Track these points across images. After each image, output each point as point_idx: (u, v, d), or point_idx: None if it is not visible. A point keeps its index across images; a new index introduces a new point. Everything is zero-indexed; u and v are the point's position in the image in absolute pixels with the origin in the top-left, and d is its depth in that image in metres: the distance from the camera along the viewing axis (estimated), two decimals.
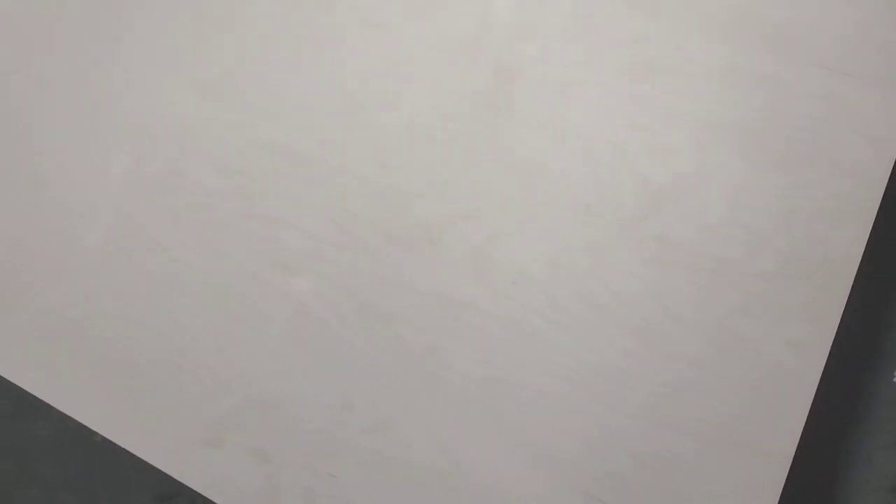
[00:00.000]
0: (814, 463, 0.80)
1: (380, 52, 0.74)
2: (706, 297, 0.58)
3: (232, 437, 0.59)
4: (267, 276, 0.65)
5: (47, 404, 0.92)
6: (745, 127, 0.64)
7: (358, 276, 0.64)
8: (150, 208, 0.70)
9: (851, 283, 0.55)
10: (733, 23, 0.69)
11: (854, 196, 0.59)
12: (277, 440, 0.58)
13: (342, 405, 0.59)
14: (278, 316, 0.63)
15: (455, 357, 0.59)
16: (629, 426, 0.54)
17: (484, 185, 0.66)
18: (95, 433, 0.90)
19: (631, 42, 0.70)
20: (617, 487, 0.53)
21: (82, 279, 0.68)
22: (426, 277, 0.63)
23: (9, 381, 0.92)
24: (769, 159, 0.62)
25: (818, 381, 0.53)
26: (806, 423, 0.80)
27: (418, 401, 0.58)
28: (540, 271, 0.61)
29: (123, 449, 0.89)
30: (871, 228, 0.57)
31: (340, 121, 0.71)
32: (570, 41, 0.71)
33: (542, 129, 0.68)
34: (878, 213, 0.58)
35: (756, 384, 0.54)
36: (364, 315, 0.62)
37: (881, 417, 0.81)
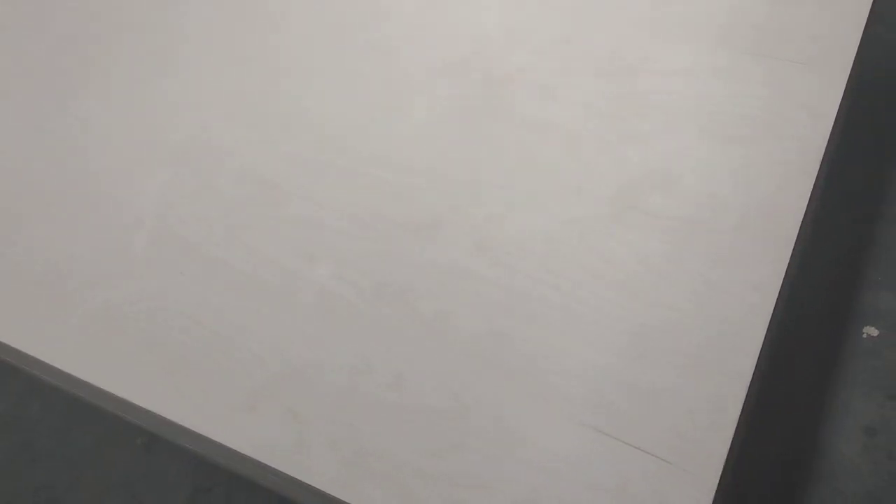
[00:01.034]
0: (797, 409, 0.88)
1: (385, 72, 0.86)
2: (680, 252, 0.66)
3: (266, 403, 0.67)
4: (292, 266, 0.74)
5: (90, 413, 1.00)
6: (706, 112, 0.74)
7: (373, 259, 0.73)
8: (187, 217, 0.80)
9: (797, 231, 0.64)
10: (691, 27, 0.80)
11: (798, 161, 0.68)
12: (305, 401, 0.66)
13: (362, 367, 0.67)
14: (303, 297, 0.72)
15: (462, 319, 0.68)
16: (617, 362, 0.62)
17: (481, 176, 0.76)
18: (136, 436, 0.98)
19: (605, 51, 0.81)
20: (609, 414, 0.60)
21: (131, 280, 0.77)
22: (433, 255, 0.72)
23: (54, 393, 1.00)
24: (727, 136, 0.72)
25: (772, 310, 0.61)
26: (787, 375, 0.88)
27: (430, 357, 0.66)
28: (535, 244, 0.70)
29: (163, 448, 0.97)
30: (812, 186, 0.66)
31: (352, 131, 0.82)
32: (553, 53, 0.82)
33: (531, 127, 0.78)
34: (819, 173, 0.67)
35: (723, 319, 0.62)
36: (379, 291, 0.71)
37: (856, 368, 0.88)
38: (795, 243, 0.64)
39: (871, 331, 0.92)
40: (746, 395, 0.58)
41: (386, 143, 0.81)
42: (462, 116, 0.81)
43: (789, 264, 0.63)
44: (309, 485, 0.63)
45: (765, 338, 0.59)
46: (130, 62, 0.96)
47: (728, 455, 0.57)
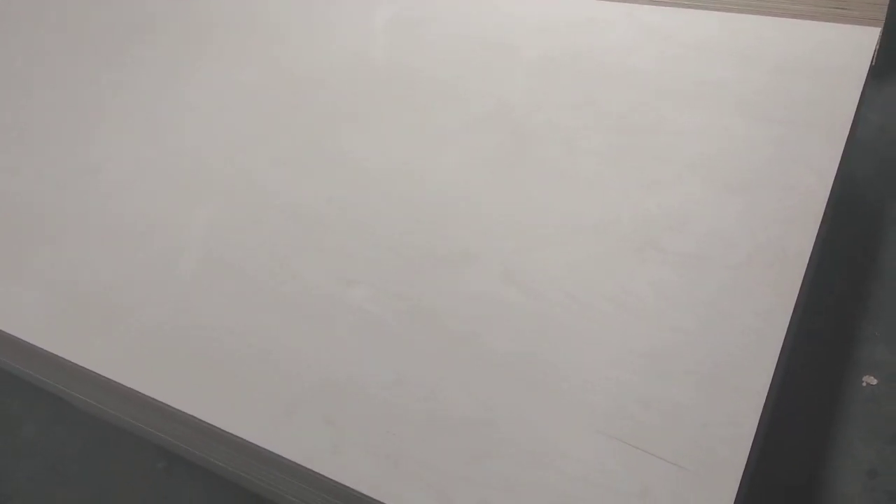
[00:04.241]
0: (801, 452, 0.91)
1: (422, 125, 0.94)
2: (691, 284, 0.72)
3: (305, 411, 0.71)
4: (332, 290, 0.80)
5: (114, 437, 1.02)
6: (715, 166, 0.81)
7: (408, 284, 0.78)
8: (232, 246, 0.86)
9: (804, 267, 0.70)
10: (702, 94, 0.88)
11: (801, 211, 0.75)
12: (342, 410, 0.70)
13: (396, 381, 0.71)
14: (342, 318, 0.77)
15: (491, 338, 0.72)
16: (637, 379, 0.67)
17: (510, 215, 0.82)
18: (158, 460, 1.00)
19: (622, 110, 0.89)
20: (631, 426, 0.64)
21: (179, 300, 0.82)
22: (464, 282, 0.77)
23: (79, 417, 1.02)
24: (737, 186, 0.79)
25: (783, 335, 0.66)
26: (791, 419, 0.92)
27: (462, 373, 0.71)
28: (559, 274, 0.76)
29: (183, 472, 0.98)
30: (817, 231, 0.73)
31: (390, 175, 0.89)
32: (573, 111, 0.91)
33: (555, 173, 0.85)
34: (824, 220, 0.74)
35: (734, 343, 0.67)
36: (413, 313, 0.76)
37: (856, 414, 0.93)
38: (803, 277, 0.69)
39: (871, 380, 0.97)
40: (762, 412, 0.62)
41: (421, 185, 0.88)
42: (490, 164, 0.88)
43: (798, 293, 0.68)
44: (345, 489, 0.66)
45: (777, 360, 0.64)
46: (190, 107, 1.05)
47: (746, 465, 0.60)
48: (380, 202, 0.87)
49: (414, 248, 0.82)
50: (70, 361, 0.79)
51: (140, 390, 0.75)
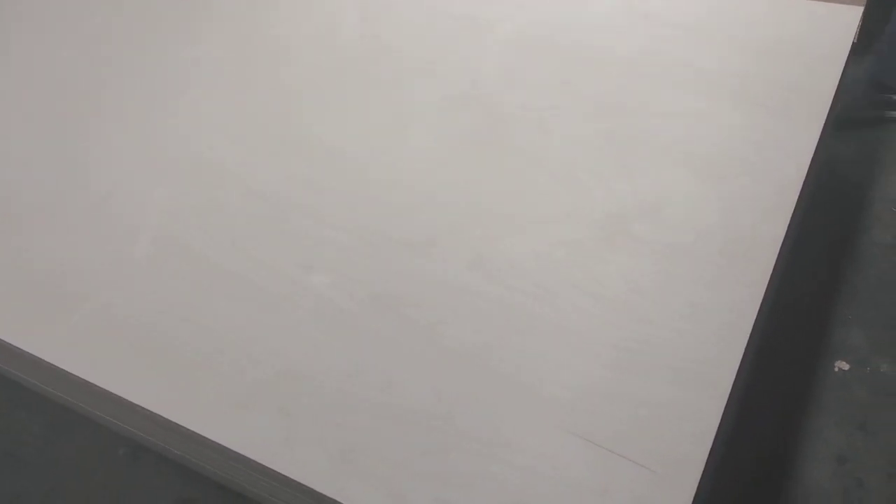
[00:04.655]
0: (771, 438, 0.90)
1: (391, 104, 0.91)
2: (665, 275, 0.70)
3: (260, 401, 0.68)
4: (292, 275, 0.77)
5: (75, 423, 1.00)
6: (692, 151, 0.79)
7: (370, 271, 0.76)
8: (189, 227, 0.83)
9: (775, 259, 0.68)
10: (682, 77, 0.85)
11: (776, 197, 0.73)
12: (297, 401, 0.68)
13: (353, 371, 0.69)
14: (301, 305, 0.74)
15: (453, 329, 0.70)
16: (603, 374, 0.65)
17: (478, 200, 0.80)
18: (120, 447, 0.98)
19: (600, 91, 0.86)
20: (594, 422, 0.62)
21: (132, 284, 0.79)
22: (428, 270, 0.75)
23: (39, 403, 1.00)
24: (711, 173, 0.77)
25: (750, 329, 0.64)
26: (762, 403, 0.91)
27: (421, 364, 0.68)
28: (528, 262, 0.73)
29: (149, 459, 0.96)
30: (789, 220, 0.70)
31: (357, 155, 0.86)
32: (550, 92, 0.88)
33: (527, 157, 0.82)
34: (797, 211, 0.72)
35: (703, 339, 0.65)
36: (375, 301, 0.73)
37: (828, 399, 0.92)
38: (773, 269, 0.67)
39: (843, 365, 0.97)
40: (724, 409, 0.61)
41: (389, 167, 0.85)
42: (462, 145, 0.85)
43: (767, 287, 0.66)
44: (297, 484, 0.64)
45: (743, 355, 0.62)
46: (144, 87, 1.01)
47: (706, 464, 0.59)
48: (344, 184, 0.84)
49: (378, 233, 0.79)
50: (19, 349, 0.76)
51: (89, 380, 0.73)
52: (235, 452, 0.66)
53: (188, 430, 0.68)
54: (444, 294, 0.73)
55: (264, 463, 0.65)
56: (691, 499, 0.57)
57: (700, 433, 0.60)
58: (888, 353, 0.98)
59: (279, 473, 0.64)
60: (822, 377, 0.95)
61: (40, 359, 0.75)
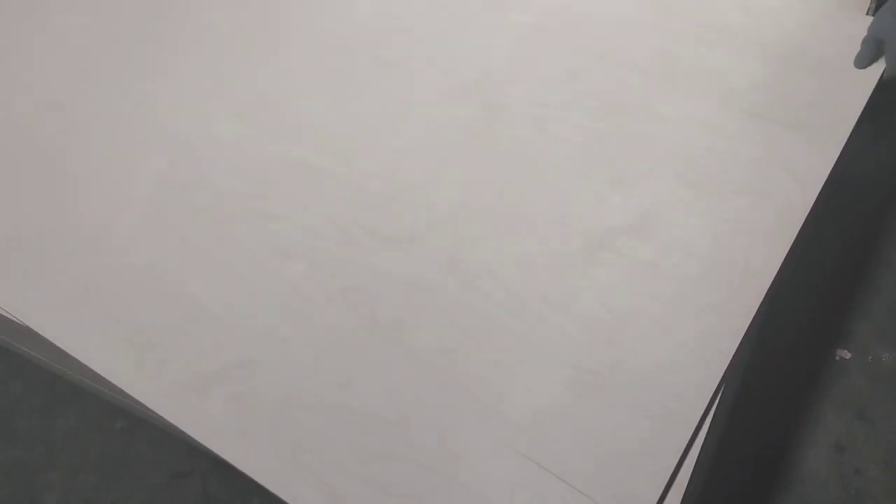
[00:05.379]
0: (770, 426, 0.89)
1: (390, 87, 0.88)
2: (640, 296, 0.66)
3: (218, 387, 0.68)
4: (267, 261, 0.76)
5: (72, 395, 1.01)
6: (691, 162, 0.74)
7: (345, 265, 0.74)
8: (175, 202, 0.82)
9: (763, 294, 0.63)
10: (693, 80, 0.80)
11: (775, 223, 0.68)
12: (254, 391, 0.67)
13: (314, 367, 0.68)
14: (272, 292, 0.73)
15: (418, 332, 0.68)
16: (561, 396, 0.62)
17: (464, 198, 0.77)
18: (117, 420, 0.98)
19: (604, 89, 0.82)
20: (545, 446, 0.60)
21: (112, 255, 0.79)
22: (403, 267, 0.72)
23: (37, 376, 1.01)
24: (709, 187, 0.72)
25: (726, 366, 0.60)
26: (763, 389, 0.88)
27: (381, 365, 0.66)
28: (504, 269, 0.70)
29: (141, 433, 0.97)
30: (789, 248, 0.66)
31: (348, 141, 0.84)
32: (554, 86, 0.83)
33: (519, 156, 0.79)
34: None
35: (674, 369, 0.61)
36: (344, 295, 0.72)
37: (828, 387, 0.92)
38: (760, 304, 0.63)
39: (844, 353, 0.94)
40: (685, 450, 0.57)
41: (379, 156, 0.82)
42: (455, 138, 0.82)
43: (751, 323, 0.62)
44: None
45: (713, 394, 0.58)
46: (142, 59, 0.99)
47: None
48: (331, 172, 0.82)
49: (359, 225, 0.77)
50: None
51: (64, 348, 0.73)
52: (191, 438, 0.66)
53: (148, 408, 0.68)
54: (415, 295, 0.71)
55: (216, 451, 0.64)
56: None
57: (655, 473, 0.57)
58: (890, 342, 0.96)
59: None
60: (823, 365, 0.94)
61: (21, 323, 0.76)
